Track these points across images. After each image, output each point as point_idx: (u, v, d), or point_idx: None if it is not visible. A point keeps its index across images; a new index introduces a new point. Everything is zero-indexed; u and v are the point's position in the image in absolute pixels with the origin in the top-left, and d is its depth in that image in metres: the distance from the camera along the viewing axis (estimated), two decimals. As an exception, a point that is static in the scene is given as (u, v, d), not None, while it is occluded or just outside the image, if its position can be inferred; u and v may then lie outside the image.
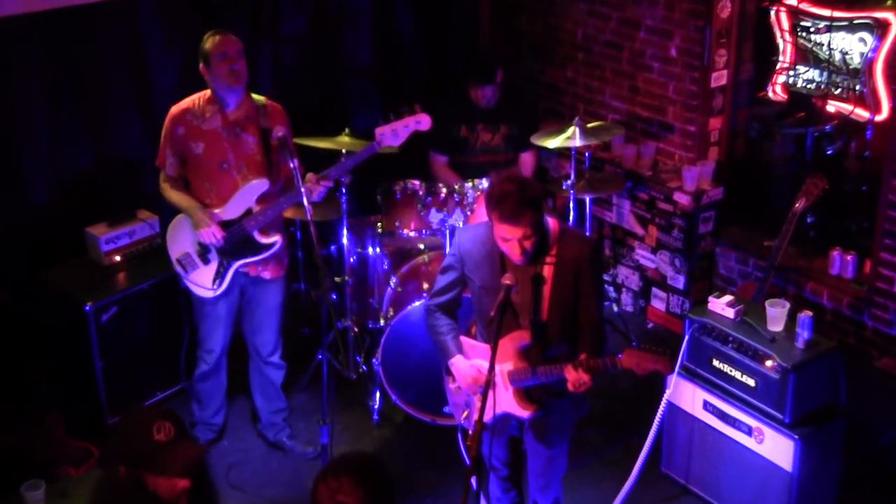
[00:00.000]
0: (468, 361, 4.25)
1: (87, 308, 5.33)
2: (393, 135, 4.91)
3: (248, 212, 4.96)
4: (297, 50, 6.64)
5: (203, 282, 5.06)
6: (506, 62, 6.42)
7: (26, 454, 5.26)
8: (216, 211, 4.97)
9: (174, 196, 5.04)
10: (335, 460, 3.16)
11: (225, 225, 4.96)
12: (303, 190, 4.72)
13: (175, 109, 5.01)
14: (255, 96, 5.04)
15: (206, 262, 5.04)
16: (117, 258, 5.66)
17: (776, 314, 4.80)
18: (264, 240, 5.01)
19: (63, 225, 5.77)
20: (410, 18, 7.09)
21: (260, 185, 4.95)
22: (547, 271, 4.11)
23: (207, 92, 4.98)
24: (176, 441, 3.26)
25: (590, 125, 5.93)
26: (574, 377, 3.97)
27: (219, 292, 5.05)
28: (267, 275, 5.14)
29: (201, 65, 4.90)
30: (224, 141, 4.95)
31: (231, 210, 4.96)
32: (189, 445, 3.33)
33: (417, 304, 5.40)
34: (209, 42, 4.88)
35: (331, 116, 5.81)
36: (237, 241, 4.98)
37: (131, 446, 3.23)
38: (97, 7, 5.69)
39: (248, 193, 4.95)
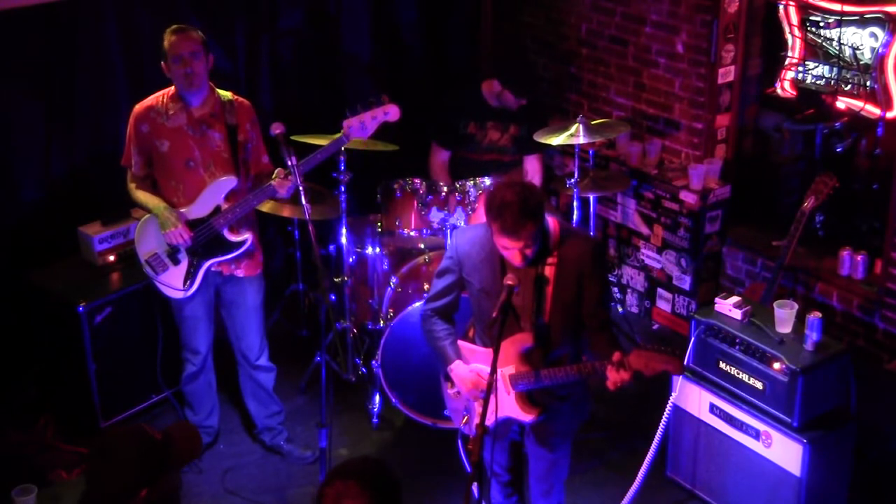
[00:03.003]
0: (468, 367, 4.17)
1: (81, 309, 5.28)
2: (361, 127, 4.84)
3: (217, 209, 4.91)
4: (295, 44, 6.59)
5: (174, 283, 4.99)
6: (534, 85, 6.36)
7: (18, 458, 5.24)
8: (183, 210, 4.92)
9: (141, 196, 5.00)
10: (342, 464, 3.15)
11: (193, 224, 4.91)
12: (273, 185, 4.72)
13: (139, 107, 4.97)
14: (220, 92, 4.98)
15: (176, 262, 4.98)
16: (111, 258, 5.61)
17: (784, 315, 4.77)
18: (234, 238, 4.96)
19: (56, 224, 5.73)
20: (411, 12, 7.03)
21: (228, 182, 4.90)
22: (549, 272, 4.06)
23: (172, 89, 4.94)
24: (168, 434, 3.23)
25: (594, 122, 5.87)
26: (615, 377, 3.90)
27: (189, 293, 5.00)
28: (240, 273, 5.09)
29: (162, 62, 4.84)
30: (189, 139, 4.90)
31: (199, 208, 4.91)
32: (176, 428, 3.30)
33: (418, 304, 5.35)
34: (166, 41, 4.82)
35: (329, 112, 5.75)
36: (206, 240, 4.93)
37: (143, 460, 3.16)
38: (91, 2, 5.62)
39: (216, 191, 4.90)
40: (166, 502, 3.23)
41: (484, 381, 3.90)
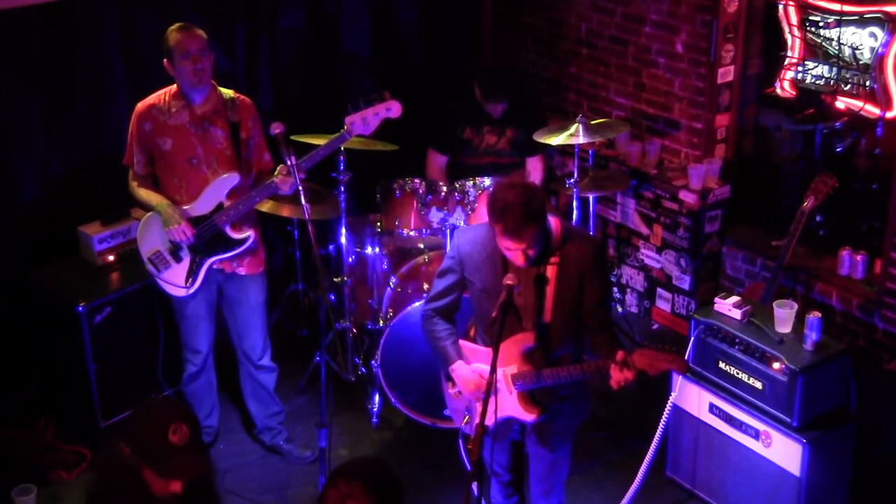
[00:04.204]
0: (470, 367, 4.17)
1: (80, 309, 5.27)
2: (363, 123, 4.84)
3: (220, 206, 4.92)
4: (295, 44, 6.58)
5: (176, 280, 5.00)
6: (517, 80, 6.28)
7: (17, 458, 5.22)
8: (186, 207, 4.93)
9: (143, 194, 5.00)
10: (345, 465, 3.15)
11: (196, 221, 4.92)
12: (276, 182, 4.74)
13: (141, 106, 4.97)
14: (222, 90, 4.99)
15: (179, 259, 4.98)
16: (111, 258, 5.60)
17: (784, 315, 4.76)
18: (236, 235, 4.96)
19: (56, 224, 5.72)
20: (411, 12, 7.03)
21: (230, 179, 4.90)
22: (550, 272, 4.06)
23: (173, 87, 4.94)
24: (187, 449, 3.23)
25: (593, 122, 5.85)
26: (619, 376, 3.90)
27: (192, 290, 5.01)
28: (242, 270, 5.10)
29: (165, 60, 4.85)
30: (192, 136, 4.91)
31: (201, 206, 4.92)
32: (197, 460, 3.30)
33: (417, 304, 5.34)
34: (172, 38, 4.82)
35: (329, 112, 5.76)
36: (209, 238, 4.94)
37: (142, 435, 3.23)
38: (90, 2, 5.62)
39: (219, 188, 4.91)
40: None
41: (485, 382, 3.90)
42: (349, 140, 4.97)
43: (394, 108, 4.85)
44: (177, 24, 4.86)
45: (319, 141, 5.48)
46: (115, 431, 3.33)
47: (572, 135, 5.68)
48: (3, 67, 5.44)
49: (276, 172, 4.79)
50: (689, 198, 6.14)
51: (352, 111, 4.83)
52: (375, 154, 5.76)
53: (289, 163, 4.63)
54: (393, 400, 5.48)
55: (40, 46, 5.55)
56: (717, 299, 4.93)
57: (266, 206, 5.48)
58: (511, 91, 6.01)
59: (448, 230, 5.51)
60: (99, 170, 5.82)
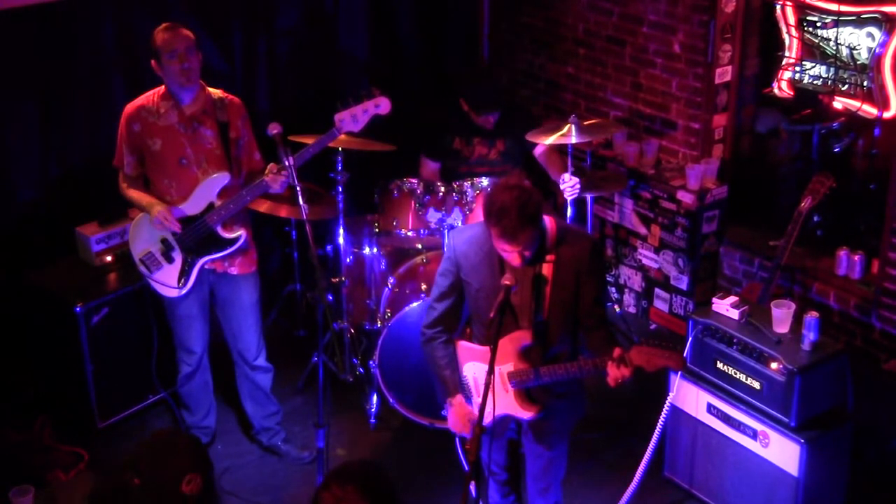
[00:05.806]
0: (467, 408, 4.18)
1: (78, 309, 5.27)
2: (353, 119, 4.83)
3: (210, 206, 4.92)
4: (292, 44, 6.57)
5: (168, 281, 5.00)
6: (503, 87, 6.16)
7: (15, 459, 5.22)
8: (181, 206, 4.92)
9: (133, 195, 5.01)
10: (339, 468, 3.14)
11: (187, 221, 4.91)
12: (266, 180, 4.74)
13: (130, 107, 4.98)
14: (210, 90, 4.99)
15: (171, 260, 4.99)
16: (108, 258, 5.61)
17: (782, 315, 4.76)
18: (228, 234, 4.96)
19: (53, 225, 5.73)
20: (408, 12, 7.03)
21: (221, 178, 4.91)
22: (547, 270, 4.06)
23: (162, 88, 4.94)
24: (197, 500, 3.23)
25: (587, 122, 5.81)
26: (616, 373, 3.90)
27: (184, 291, 5.01)
28: (234, 270, 5.10)
29: (153, 60, 4.84)
30: (181, 136, 4.91)
31: (192, 205, 4.92)
32: None
33: (415, 305, 5.35)
34: (158, 38, 4.82)
35: (327, 112, 5.75)
36: (201, 237, 4.94)
37: (156, 476, 3.23)
38: (87, 2, 5.62)
39: (209, 188, 4.91)
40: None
41: (474, 428, 3.87)
42: (345, 139, 4.95)
43: (383, 105, 4.84)
44: (163, 25, 4.86)
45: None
46: (128, 462, 3.29)
47: (563, 135, 5.62)
48: (1, 68, 5.43)
49: (265, 171, 4.79)
50: (686, 198, 6.14)
51: (341, 108, 4.83)
52: (373, 154, 5.75)
53: (286, 163, 4.63)
54: (391, 400, 5.48)
55: (37, 47, 5.54)
56: (714, 299, 4.93)
57: (264, 207, 5.48)
58: (501, 100, 5.89)
59: (446, 230, 5.50)
60: (96, 170, 5.81)
